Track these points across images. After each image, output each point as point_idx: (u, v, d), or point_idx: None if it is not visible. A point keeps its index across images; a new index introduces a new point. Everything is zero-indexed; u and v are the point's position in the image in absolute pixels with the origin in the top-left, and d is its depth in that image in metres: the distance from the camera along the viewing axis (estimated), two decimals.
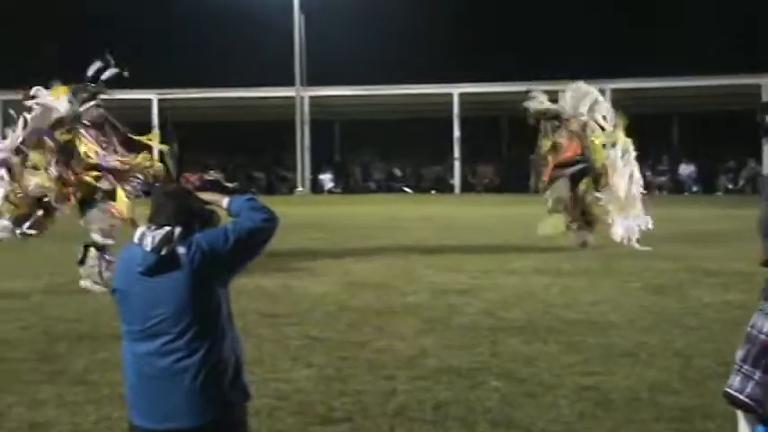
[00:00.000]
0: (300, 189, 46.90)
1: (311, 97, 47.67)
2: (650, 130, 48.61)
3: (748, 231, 20.03)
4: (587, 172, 18.87)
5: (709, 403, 7.39)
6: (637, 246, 18.03)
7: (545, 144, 19.31)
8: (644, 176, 47.65)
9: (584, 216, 18.85)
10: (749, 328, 4.86)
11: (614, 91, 44.50)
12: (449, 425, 6.91)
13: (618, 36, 49.07)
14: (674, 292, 13.08)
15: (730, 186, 44.50)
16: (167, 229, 4.99)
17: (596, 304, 12.09)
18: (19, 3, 50.25)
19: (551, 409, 7.31)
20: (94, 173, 14.67)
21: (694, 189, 44.99)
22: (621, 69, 42.85)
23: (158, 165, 15.97)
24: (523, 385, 8.02)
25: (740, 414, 4.90)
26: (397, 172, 50.49)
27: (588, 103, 19.49)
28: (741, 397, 4.81)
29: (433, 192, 46.48)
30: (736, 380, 4.83)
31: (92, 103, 15.20)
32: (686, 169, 46.19)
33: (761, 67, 40.94)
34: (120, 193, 14.63)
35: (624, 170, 18.75)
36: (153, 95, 46.86)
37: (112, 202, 14.56)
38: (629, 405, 7.39)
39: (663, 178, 46.55)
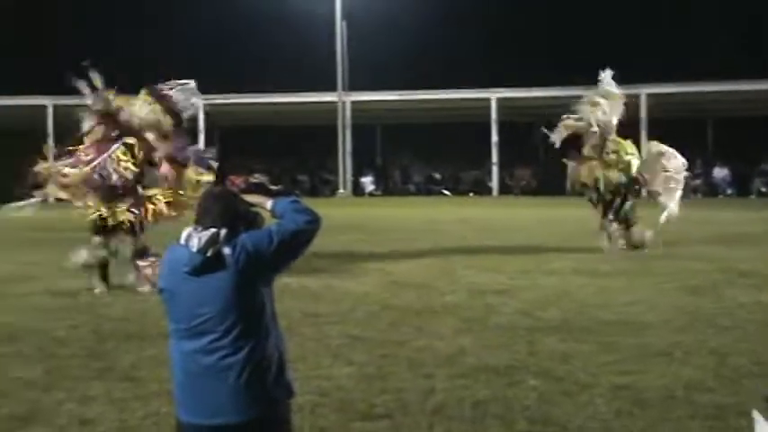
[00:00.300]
0: (342, 191, 46.99)
1: (353, 102, 47.74)
2: (684, 134, 48.47)
3: None
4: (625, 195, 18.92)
5: (744, 401, 7.31)
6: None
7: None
8: None
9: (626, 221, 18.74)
10: None
11: (649, 96, 44.35)
12: (487, 422, 6.88)
13: (651, 40, 48.85)
14: (709, 292, 12.98)
15: (764, 189, 44.14)
16: (213, 230, 4.99)
17: (632, 304, 12.02)
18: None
19: (588, 406, 7.26)
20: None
21: (728, 192, 44.71)
22: (656, 74, 42.63)
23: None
24: (560, 384, 7.98)
25: (757, 416, 4.81)
26: (437, 175, 50.51)
27: (619, 111, 19.29)
28: None
29: (471, 194, 46.44)
30: None
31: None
32: (720, 172, 45.89)
33: None
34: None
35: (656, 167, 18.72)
36: (200, 101, 46.98)
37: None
38: (665, 403, 7.33)
39: (697, 181, 46.26)
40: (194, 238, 5.00)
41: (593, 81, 20.07)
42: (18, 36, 49.28)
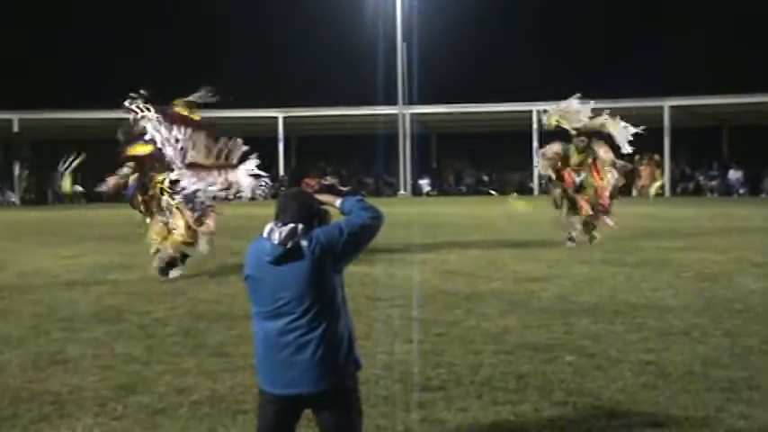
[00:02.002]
0: (402, 192, 47.02)
1: (412, 114, 47.75)
2: (703, 141, 48.05)
3: None
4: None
5: (755, 376, 7.26)
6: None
7: (577, 157, 17.98)
8: (697, 180, 46.89)
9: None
10: None
11: (671, 107, 43.99)
12: (529, 393, 6.86)
13: (674, 58, 48.43)
14: (724, 280, 12.83)
15: None
16: (292, 225, 5.03)
17: (655, 290, 11.91)
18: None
19: (617, 380, 7.22)
20: None
21: (741, 191, 44.17)
22: (678, 88, 42.32)
23: None
24: (593, 359, 7.93)
25: None
26: (485, 177, 50.37)
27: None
28: None
29: (515, 194, 46.17)
30: None
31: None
32: (734, 174, 45.40)
33: None
34: None
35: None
36: (278, 113, 47.28)
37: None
38: (684, 377, 7.26)
39: (713, 182, 45.80)
40: (275, 232, 5.05)
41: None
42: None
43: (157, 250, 14.24)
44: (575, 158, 17.94)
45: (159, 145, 13.86)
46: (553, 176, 18.27)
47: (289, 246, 5.01)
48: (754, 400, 6.59)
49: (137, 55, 49.88)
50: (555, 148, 18.33)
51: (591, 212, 17.77)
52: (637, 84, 41.46)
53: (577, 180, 17.89)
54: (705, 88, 42.37)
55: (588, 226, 17.94)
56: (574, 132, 17.99)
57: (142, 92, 14.18)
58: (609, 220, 18.00)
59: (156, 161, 14.24)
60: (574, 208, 17.90)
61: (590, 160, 17.91)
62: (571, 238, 17.74)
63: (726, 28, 48.66)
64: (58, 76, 50.73)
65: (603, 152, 17.90)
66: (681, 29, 48.74)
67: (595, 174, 17.90)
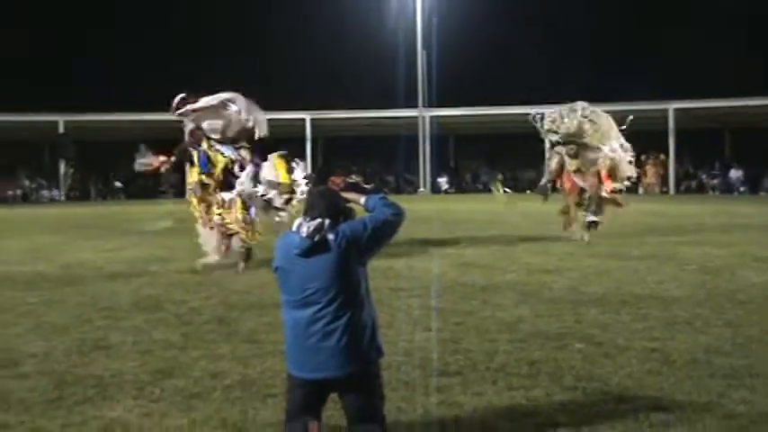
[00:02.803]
0: (422, 189, 46.99)
1: (431, 116, 47.74)
2: (705, 142, 47.78)
3: None
4: None
5: (755, 364, 7.22)
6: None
7: (573, 163, 17.49)
8: (700, 179, 46.57)
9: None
10: None
11: (676, 110, 43.79)
12: (541, 379, 6.84)
13: (678, 63, 48.28)
14: (726, 272, 12.75)
15: None
16: (319, 220, 5.05)
17: (660, 282, 11.86)
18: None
19: (624, 366, 7.19)
20: None
21: (742, 189, 43.91)
22: (682, 91, 42.19)
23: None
24: (601, 347, 7.90)
25: None
26: (500, 176, 50.27)
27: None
28: None
29: (527, 192, 46.10)
30: None
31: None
32: (735, 173, 45.15)
33: None
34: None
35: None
36: (306, 116, 47.36)
37: None
38: (688, 364, 7.23)
39: (715, 181, 45.56)
40: (304, 226, 5.08)
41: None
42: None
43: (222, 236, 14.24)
44: (572, 165, 17.60)
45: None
46: (558, 186, 18.12)
47: (316, 239, 5.04)
48: (755, 387, 6.55)
49: (169, 59, 50.21)
50: (553, 162, 18.13)
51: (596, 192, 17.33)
52: (643, 87, 41.33)
53: (581, 184, 17.54)
54: (708, 92, 42.19)
55: (591, 206, 17.44)
56: (560, 141, 17.63)
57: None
58: (618, 201, 17.62)
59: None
60: (579, 204, 17.66)
61: (591, 168, 17.45)
62: (592, 222, 17.34)
63: (727, 34, 48.32)
64: (101, 79, 50.93)
65: (601, 158, 17.42)
66: (683, 35, 48.57)
67: (597, 177, 17.44)
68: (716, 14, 49.82)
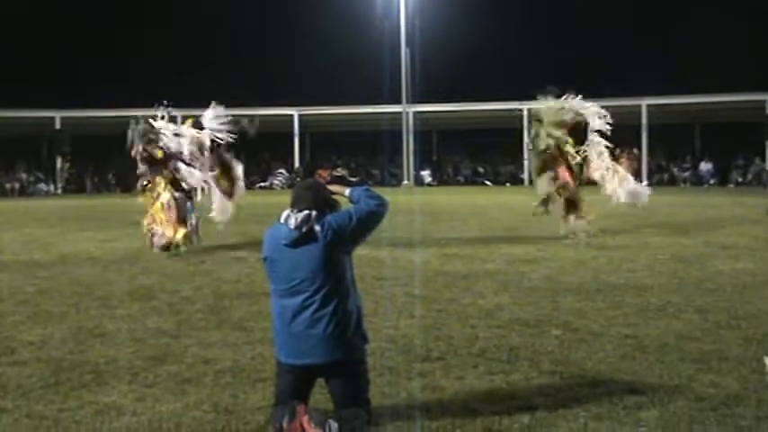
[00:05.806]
0: (406, 182, 46.91)
1: (415, 112, 47.72)
2: (677, 136, 47.90)
3: (754, 215, 19.48)
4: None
5: (723, 348, 7.26)
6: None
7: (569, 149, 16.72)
8: (671, 172, 46.59)
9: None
10: None
11: (649, 106, 43.94)
12: (519, 364, 6.86)
13: (650, 60, 48.40)
14: (696, 262, 12.81)
15: (740, 180, 43.64)
16: (306, 212, 5.05)
17: (634, 271, 11.90)
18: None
19: (599, 352, 7.21)
20: None
21: (711, 182, 44.09)
22: (655, 87, 42.32)
23: None
24: (577, 333, 7.92)
25: None
26: (480, 169, 50.25)
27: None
28: None
29: (507, 184, 46.15)
30: None
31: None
32: (705, 166, 45.33)
33: (765, 86, 40.37)
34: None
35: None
36: (294, 111, 47.30)
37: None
38: (660, 349, 7.26)
39: (686, 174, 45.73)
40: (291, 218, 5.07)
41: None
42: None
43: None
44: (569, 148, 16.91)
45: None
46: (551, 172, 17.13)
47: (303, 230, 5.03)
48: (723, 370, 6.58)
49: (163, 58, 50.02)
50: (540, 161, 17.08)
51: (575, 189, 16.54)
52: (617, 83, 41.34)
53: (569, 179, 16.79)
54: (679, 89, 42.34)
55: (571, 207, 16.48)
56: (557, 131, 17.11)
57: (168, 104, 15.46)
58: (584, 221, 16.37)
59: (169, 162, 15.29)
60: (571, 207, 16.50)
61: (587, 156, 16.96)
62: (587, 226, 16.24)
63: (698, 34, 48.41)
64: (96, 78, 50.61)
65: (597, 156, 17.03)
66: (658, 33, 48.66)
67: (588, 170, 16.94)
68: (713, 12, 49.86)
